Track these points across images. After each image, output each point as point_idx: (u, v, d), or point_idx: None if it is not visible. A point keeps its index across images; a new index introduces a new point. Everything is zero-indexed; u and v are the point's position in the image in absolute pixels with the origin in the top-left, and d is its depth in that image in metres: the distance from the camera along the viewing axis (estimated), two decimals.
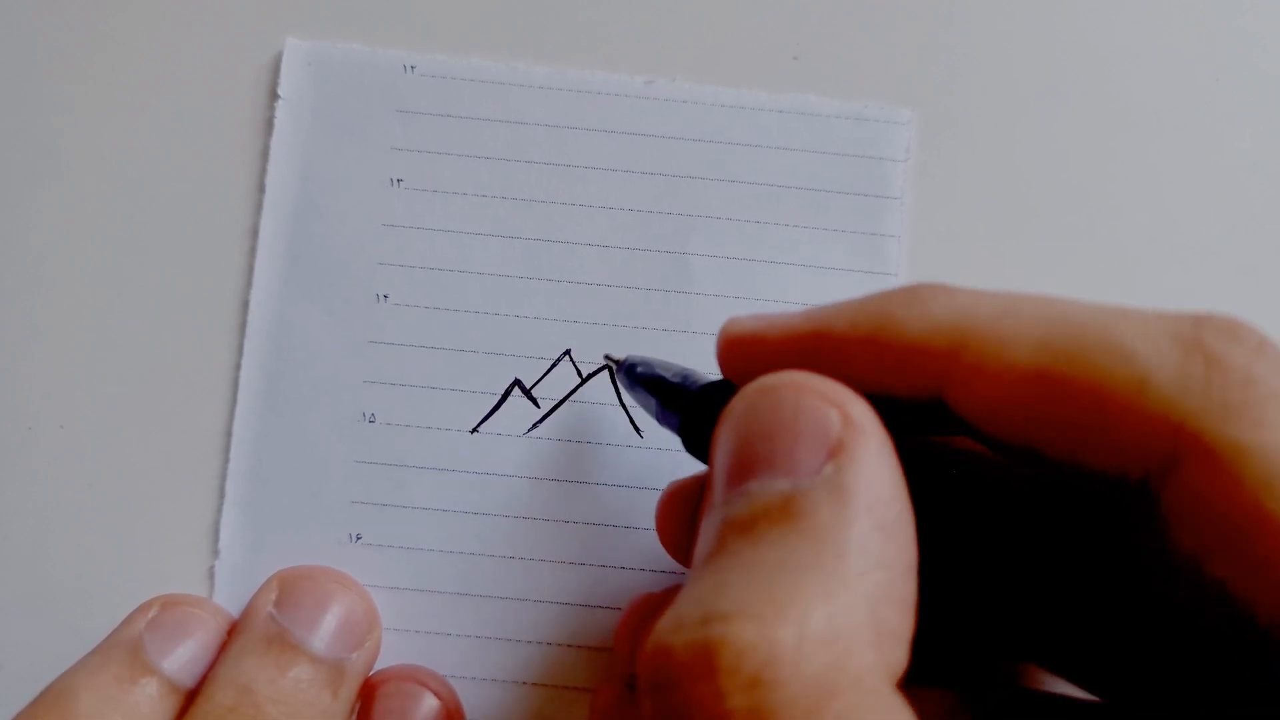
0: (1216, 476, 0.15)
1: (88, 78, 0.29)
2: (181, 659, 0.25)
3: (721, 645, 0.14)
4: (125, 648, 0.24)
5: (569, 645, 0.27)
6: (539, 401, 0.28)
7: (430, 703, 0.26)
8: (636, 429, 0.28)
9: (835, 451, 0.16)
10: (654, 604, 0.25)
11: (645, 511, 0.28)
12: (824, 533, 0.15)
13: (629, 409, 0.28)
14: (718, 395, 0.21)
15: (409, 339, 0.28)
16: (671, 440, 0.25)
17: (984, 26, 0.30)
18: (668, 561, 0.27)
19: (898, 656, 0.15)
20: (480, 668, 0.27)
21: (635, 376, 0.25)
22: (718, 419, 0.18)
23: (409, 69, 0.29)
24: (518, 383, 0.28)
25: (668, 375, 0.24)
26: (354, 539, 0.27)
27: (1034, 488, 0.18)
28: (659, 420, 0.24)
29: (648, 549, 0.28)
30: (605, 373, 0.28)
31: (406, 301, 0.28)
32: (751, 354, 0.21)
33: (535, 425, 0.28)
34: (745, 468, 0.17)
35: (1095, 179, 0.30)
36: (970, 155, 0.30)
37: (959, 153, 0.30)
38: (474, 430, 0.28)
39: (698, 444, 0.22)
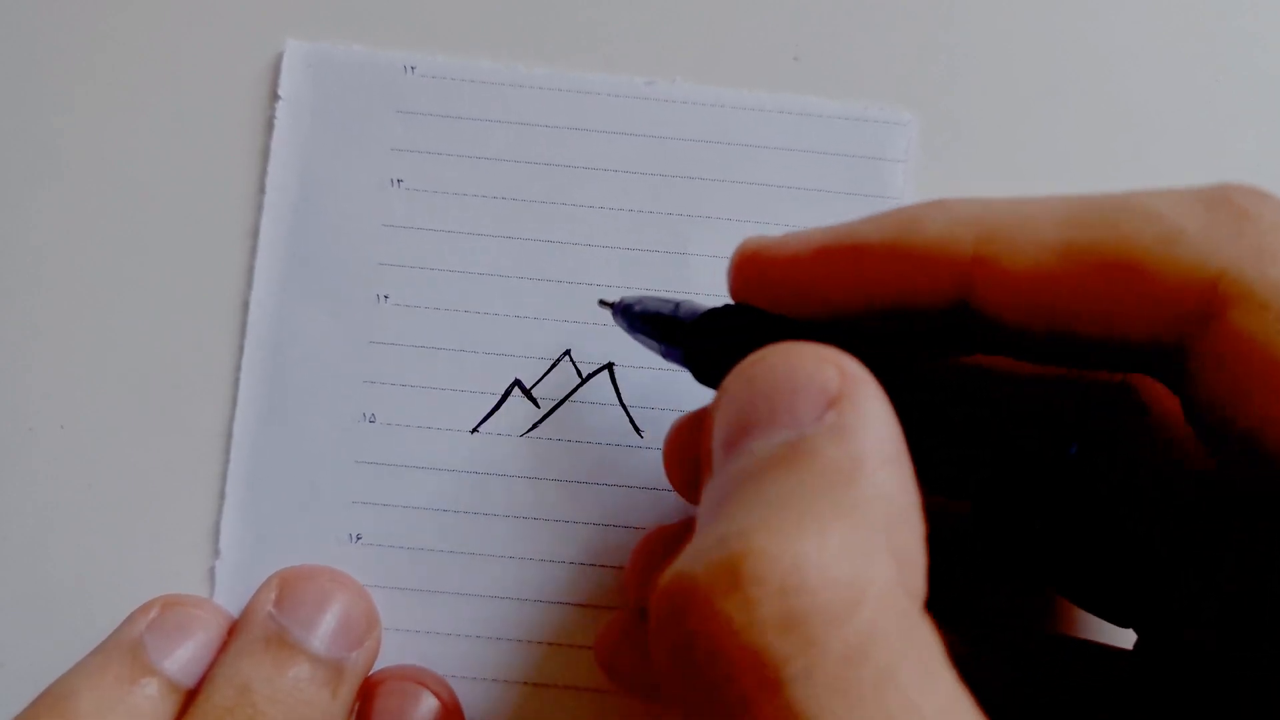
0: (1256, 317, 0.15)
1: (88, 78, 0.29)
2: (182, 659, 0.25)
3: (745, 556, 0.13)
4: (126, 648, 0.24)
5: (569, 645, 0.27)
6: (539, 402, 0.28)
7: (429, 702, 0.26)
8: (636, 429, 0.28)
9: (835, 401, 0.16)
10: (667, 536, 0.25)
11: (645, 511, 0.28)
12: (832, 465, 0.15)
13: (629, 409, 0.28)
14: (717, 320, 0.21)
15: (409, 339, 0.28)
16: None
17: (984, 27, 0.30)
18: None
19: (916, 582, 0.15)
20: (479, 668, 0.27)
21: (633, 317, 0.24)
22: (719, 348, 0.18)
23: (409, 70, 0.29)
24: (518, 383, 0.28)
25: (665, 310, 0.23)
26: (354, 539, 0.27)
27: (1035, 405, 0.18)
28: (664, 356, 0.24)
29: None
30: (605, 373, 0.28)
31: (406, 302, 0.28)
32: (767, 270, 0.21)
33: (535, 425, 0.28)
34: (745, 430, 0.16)
35: (1095, 179, 0.30)
36: (970, 156, 0.30)
37: (959, 154, 0.30)
38: (474, 430, 0.28)
39: (706, 372, 0.22)
